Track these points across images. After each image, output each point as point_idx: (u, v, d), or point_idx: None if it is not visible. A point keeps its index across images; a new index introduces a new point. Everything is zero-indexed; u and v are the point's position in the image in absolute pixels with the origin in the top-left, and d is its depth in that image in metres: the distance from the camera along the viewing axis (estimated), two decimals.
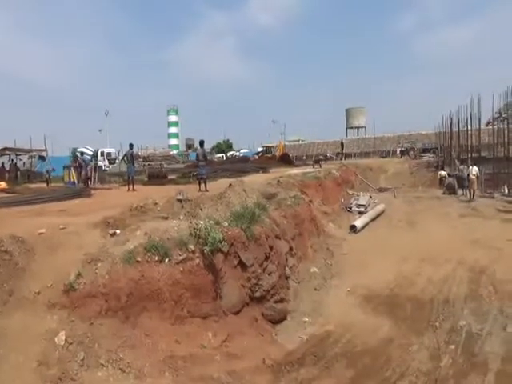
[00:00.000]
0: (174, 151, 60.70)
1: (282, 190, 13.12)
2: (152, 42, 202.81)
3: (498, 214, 17.79)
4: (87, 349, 4.95)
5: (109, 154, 34.46)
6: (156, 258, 6.15)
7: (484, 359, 5.86)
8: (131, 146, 16.80)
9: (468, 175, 22.75)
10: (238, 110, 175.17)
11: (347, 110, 69.48)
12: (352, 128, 68.60)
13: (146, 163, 31.52)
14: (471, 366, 5.71)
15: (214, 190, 11.76)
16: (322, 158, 34.31)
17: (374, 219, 16.71)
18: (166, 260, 6.20)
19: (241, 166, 26.88)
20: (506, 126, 26.90)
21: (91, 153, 32.62)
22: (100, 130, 61.09)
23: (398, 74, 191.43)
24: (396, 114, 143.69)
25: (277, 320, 7.42)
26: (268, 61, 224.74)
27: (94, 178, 19.40)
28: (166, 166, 30.23)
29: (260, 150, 54.85)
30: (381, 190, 27.51)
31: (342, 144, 46.29)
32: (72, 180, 17.57)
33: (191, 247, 6.51)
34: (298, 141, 61.54)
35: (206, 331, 6.06)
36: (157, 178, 19.90)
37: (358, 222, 15.21)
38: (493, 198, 22.83)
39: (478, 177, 22.68)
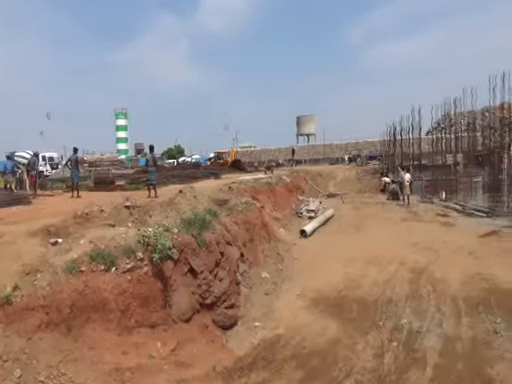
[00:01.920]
0: (123, 156, 58.98)
1: (233, 197, 13.16)
2: (100, 43, 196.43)
3: (437, 217, 18.95)
4: (24, 365, 4.67)
5: (51, 158, 32.79)
6: (102, 267, 5.95)
7: (423, 354, 6.20)
8: (75, 150, 16.11)
9: (402, 181, 24.28)
10: (190, 116, 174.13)
11: (298, 118, 71.15)
12: (302, 135, 70.30)
13: (93, 168, 30.37)
14: (412, 361, 6.02)
15: (164, 196, 11.56)
16: (273, 164, 34.82)
17: (323, 224, 17.18)
18: (113, 269, 6.02)
19: (192, 172, 26.60)
20: (443, 136, 28.79)
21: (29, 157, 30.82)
22: (41, 133, 58.08)
23: (346, 83, 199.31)
24: (344, 122, 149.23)
25: (228, 326, 7.41)
26: (220, 67, 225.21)
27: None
28: (113, 171, 29.26)
29: (212, 155, 54.64)
30: (330, 195, 28.37)
31: (293, 151, 47.30)
32: (9, 186, 16.52)
33: (139, 255, 6.37)
34: (250, 147, 62.10)
35: (154, 341, 5.94)
36: (104, 183, 19.22)
37: (308, 227, 15.57)
38: (432, 203, 24.29)
39: (411, 183, 24.23)
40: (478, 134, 27.38)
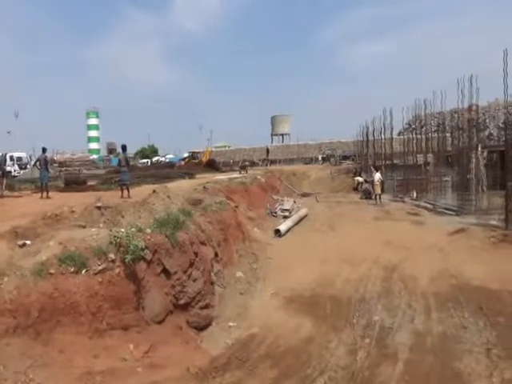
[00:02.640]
0: (95, 156, 57.72)
1: (207, 196, 13.09)
2: (71, 40, 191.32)
3: (408, 216, 19.43)
4: None
5: (19, 158, 31.71)
6: (72, 269, 5.79)
7: (395, 350, 6.34)
8: (44, 149, 15.64)
9: (373, 181, 24.87)
10: (164, 115, 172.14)
11: (272, 118, 71.47)
12: (277, 135, 70.66)
13: (63, 168, 29.57)
14: (384, 357, 6.14)
15: (138, 196, 11.39)
16: (248, 164, 34.85)
17: (297, 223, 17.32)
18: (83, 271, 5.87)
19: (166, 172, 26.33)
20: (414, 136, 29.53)
21: None
22: (9, 132, 56.15)
23: (321, 83, 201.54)
24: (319, 122, 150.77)
25: (202, 326, 7.36)
26: (195, 66, 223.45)
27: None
28: (85, 171, 28.59)
29: (186, 155, 54.21)
30: (304, 195, 28.65)
31: (267, 150, 47.51)
32: None
33: (111, 256, 6.24)
34: (225, 147, 61.94)
35: (127, 343, 5.82)
36: (74, 184, 18.74)
37: (283, 227, 15.66)
38: (403, 202, 24.90)
39: (382, 182, 24.83)
40: (448, 134, 28.21)
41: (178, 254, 7.41)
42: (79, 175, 23.77)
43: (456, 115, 26.82)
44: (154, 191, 9.87)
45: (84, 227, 7.84)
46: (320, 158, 46.93)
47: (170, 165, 38.71)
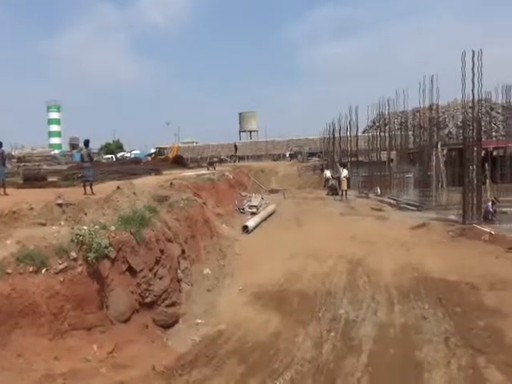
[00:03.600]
0: (56, 151, 55.68)
1: (174, 193, 12.90)
2: (31, 32, 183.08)
3: (372, 212, 19.95)
4: None
5: None
6: (31, 269, 5.57)
7: (359, 342, 6.50)
8: (0, 144, 14.90)
9: (339, 177, 25.41)
10: (130, 110, 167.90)
11: (240, 114, 71.36)
12: (245, 131, 70.64)
13: (22, 164, 28.33)
14: (348, 349, 6.28)
15: (101, 193, 11.06)
16: (216, 160, 34.67)
17: (265, 219, 17.41)
18: (43, 270, 5.66)
19: (132, 168, 25.74)
20: (378, 134, 30.33)
21: None
22: None
23: (289, 81, 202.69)
24: (286, 119, 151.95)
25: (169, 324, 7.26)
26: (161, 60, 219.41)
27: None
28: (45, 167, 27.48)
29: (153, 151, 53.30)
30: (272, 191, 28.83)
31: (235, 147, 47.42)
32: None
33: (73, 255, 6.04)
34: (193, 143, 61.30)
35: (90, 344, 5.67)
36: (34, 180, 17.96)
37: (250, 223, 15.70)
38: (368, 197, 25.55)
39: (348, 178, 25.41)
40: (410, 132, 29.17)
41: (144, 251, 7.27)
42: (39, 171, 22.80)
43: (418, 114, 27.79)
44: (119, 187, 9.62)
45: (44, 225, 7.54)
46: (288, 155, 47.36)
47: (136, 161, 37.86)
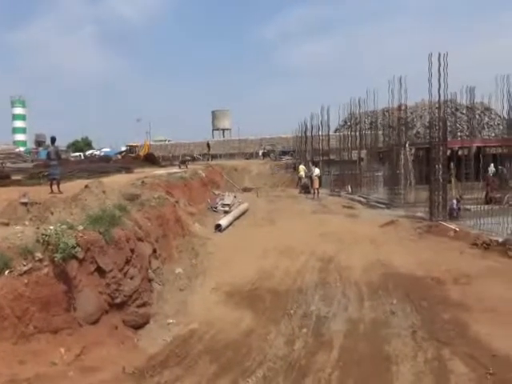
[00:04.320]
0: (21, 148, 53.71)
1: (146, 191, 12.71)
2: None
3: (343, 209, 20.30)
4: None
5: None
6: None
7: (330, 338, 6.59)
8: None
9: (311, 176, 25.78)
10: (99, 106, 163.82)
11: (213, 112, 70.91)
12: (218, 130, 70.25)
13: None
14: (320, 345, 6.36)
15: (69, 191, 10.78)
16: (188, 158, 34.35)
17: (238, 218, 17.41)
18: (6, 272, 5.43)
19: (101, 166, 25.17)
20: (349, 133, 30.85)
21: None
22: None
23: (261, 79, 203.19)
24: (259, 118, 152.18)
25: (139, 325, 7.15)
26: (132, 56, 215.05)
27: None
28: (9, 165, 26.48)
29: (124, 149, 52.24)
30: (245, 189, 28.87)
31: (208, 145, 47.17)
32: None
33: (38, 255, 5.83)
34: (165, 141, 60.44)
35: (57, 347, 5.50)
36: None
37: (223, 221, 15.66)
38: (339, 196, 25.98)
39: (319, 177, 25.81)
40: (380, 132, 29.82)
41: (114, 251, 7.12)
42: (3, 169, 21.97)
43: (387, 114, 28.43)
44: (87, 186, 9.39)
45: (7, 225, 7.28)
46: (261, 154, 47.46)
47: (106, 159, 37.06)
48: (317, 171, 25.68)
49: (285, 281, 9.39)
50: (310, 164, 29.90)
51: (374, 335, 6.66)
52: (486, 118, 42.70)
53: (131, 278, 7.32)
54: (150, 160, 34.45)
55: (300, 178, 29.30)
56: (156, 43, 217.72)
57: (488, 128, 42.75)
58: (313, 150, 35.03)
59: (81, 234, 6.61)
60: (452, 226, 13.76)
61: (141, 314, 7.22)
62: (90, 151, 58.33)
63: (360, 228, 15.15)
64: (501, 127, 35.39)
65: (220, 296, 8.65)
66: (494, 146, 26.18)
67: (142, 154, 40.20)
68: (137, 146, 46.13)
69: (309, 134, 35.93)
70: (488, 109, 40.32)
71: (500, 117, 36.06)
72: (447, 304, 7.68)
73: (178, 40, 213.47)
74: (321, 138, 33.48)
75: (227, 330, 6.95)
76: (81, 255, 6.36)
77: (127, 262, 7.36)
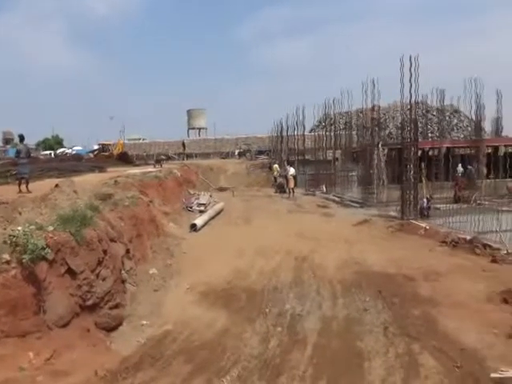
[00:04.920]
0: None
1: (119, 191, 12.49)
2: None
3: (318, 209, 20.55)
4: None
5: None
6: None
7: (304, 336, 6.66)
8: None
9: (286, 176, 26.03)
10: (70, 104, 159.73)
11: (188, 111, 70.34)
12: (194, 129, 69.74)
13: None
14: (294, 343, 6.42)
15: (38, 191, 10.47)
16: (163, 157, 34.01)
17: (213, 217, 17.36)
18: None
19: (73, 165, 24.59)
20: (324, 134, 31.24)
21: None
22: None
23: (237, 79, 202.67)
24: (235, 117, 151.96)
25: (112, 327, 7.01)
26: (105, 52, 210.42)
27: None
28: None
29: (96, 147, 51.11)
30: (221, 189, 28.79)
31: (183, 144, 46.80)
32: None
33: (5, 257, 5.64)
34: (139, 139, 59.49)
35: (25, 351, 5.33)
36: None
37: (199, 221, 15.57)
38: (314, 195, 26.29)
39: (294, 177, 26.08)
40: (354, 132, 30.36)
41: (85, 252, 6.96)
42: None
43: (361, 115, 28.95)
44: (58, 185, 9.17)
45: None
46: (236, 153, 47.45)
47: (78, 157, 36.19)
48: (292, 171, 25.91)
49: (260, 280, 9.42)
50: (285, 164, 30.12)
51: (347, 332, 6.77)
52: (455, 120, 44.18)
53: (103, 280, 7.17)
54: (124, 159, 33.89)
55: (275, 178, 29.47)
56: (131, 40, 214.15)
57: (457, 129, 44.23)
58: (288, 150, 35.29)
59: (51, 235, 6.43)
60: (422, 224, 14.15)
61: (113, 315, 7.09)
62: (61, 149, 56.80)
63: (334, 227, 15.39)
64: (469, 129, 36.61)
65: (195, 296, 8.60)
66: (462, 147, 27.09)
67: (115, 152, 39.45)
68: (110, 145, 45.20)
69: (284, 133, 36.20)
70: (457, 111, 41.71)
71: (468, 118, 37.32)
72: (418, 300, 7.88)
73: (153, 37, 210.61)
74: (296, 137, 33.79)
75: (202, 330, 6.92)
76: (50, 256, 6.18)
77: (99, 262, 7.21)
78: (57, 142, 71.09)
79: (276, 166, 30.34)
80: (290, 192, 25.08)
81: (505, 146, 26.28)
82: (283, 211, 19.46)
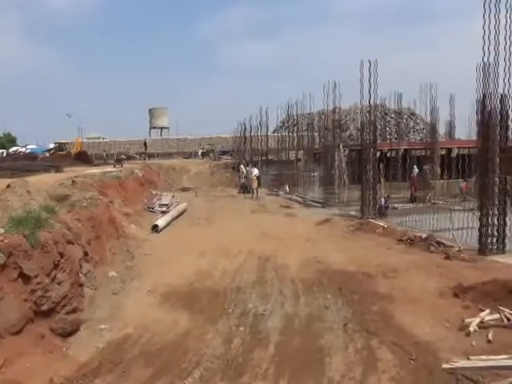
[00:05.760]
0: None
1: (77, 191, 12.06)
2: None
3: (281, 209, 20.78)
4: None
5: None
6: None
7: (266, 334, 6.71)
8: None
9: (250, 176, 26.21)
10: (24, 100, 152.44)
11: (150, 110, 68.87)
12: (156, 128, 68.42)
13: None
14: (257, 342, 6.45)
15: None
16: (124, 157, 33.15)
17: (176, 218, 17.16)
18: None
19: (27, 165, 23.54)
20: (287, 134, 31.61)
21: None
22: None
23: (201, 78, 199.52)
24: (199, 117, 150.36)
25: (69, 332, 6.77)
26: (63, 48, 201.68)
27: None
28: None
29: (52, 146, 49.15)
30: (184, 189, 28.50)
31: (145, 144, 45.88)
32: None
33: None
34: (99, 138, 57.65)
35: None
36: None
37: (161, 222, 15.34)
38: (278, 195, 26.56)
39: (258, 177, 26.30)
40: (316, 133, 30.87)
41: (40, 255, 6.67)
42: None
43: (323, 116, 29.51)
44: (10, 186, 8.73)
45: None
46: (200, 153, 47.07)
47: (32, 156, 34.65)
48: (256, 171, 26.05)
49: (223, 280, 9.40)
50: (243, 165, 30.18)
51: (309, 330, 6.89)
52: (412, 123, 45.96)
53: (59, 284, 6.91)
54: (82, 158, 32.83)
55: (239, 177, 29.52)
56: (90, 36, 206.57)
57: (414, 132, 46.06)
58: (252, 150, 35.42)
59: (1, 238, 6.13)
60: (381, 223, 14.63)
61: (70, 320, 6.84)
62: (14, 148, 54.05)
63: (297, 227, 15.61)
64: (424, 131, 38.22)
65: (156, 298, 8.46)
66: (418, 149, 28.18)
67: (73, 151, 38.11)
68: (67, 144, 43.59)
69: (248, 134, 36.30)
70: (414, 114, 43.40)
71: (424, 121, 38.97)
72: (376, 297, 8.13)
73: (113, 34, 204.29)
74: (260, 138, 33.96)
75: (163, 333, 6.82)
76: (2, 260, 5.88)
77: (55, 266, 6.93)
78: (9, 141, 67.54)
79: (242, 166, 30.40)
80: (253, 192, 25.21)
81: (457, 148, 27.62)
82: (246, 211, 19.53)
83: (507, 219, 10.94)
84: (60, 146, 43.66)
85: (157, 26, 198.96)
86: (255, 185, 25.43)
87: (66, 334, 6.70)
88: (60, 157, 35.54)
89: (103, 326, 7.09)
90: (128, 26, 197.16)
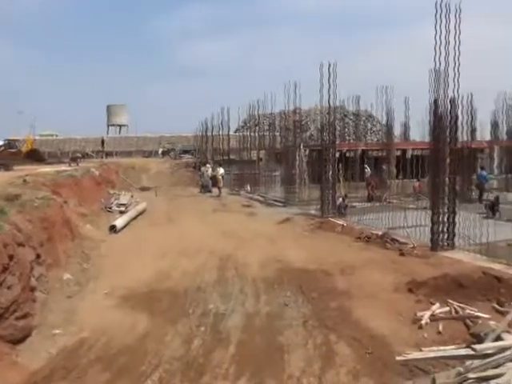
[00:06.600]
0: None
1: (28, 191, 11.53)
2: None
3: (242, 208, 20.81)
4: None
5: None
6: None
7: (227, 334, 6.69)
8: None
9: (215, 175, 26.18)
10: None
11: (108, 107, 66.88)
12: (114, 125, 66.51)
13: None
14: (217, 342, 6.42)
15: None
16: (79, 155, 31.99)
17: (135, 218, 16.78)
18: None
19: None
20: (249, 134, 31.69)
21: None
22: None
23: (161, 76, 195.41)
24: (159, 115, 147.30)
25: (19, 339, 6.42)
26: (14, 42, 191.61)
27: None
28: None
29: (1, 143, 46.52)
30: (143, 189, 27.91)
31: (102, 142, 44.46)
32: None
33: None
34: (53, 135, 55.27)
35: None
36: None
37: (119, 222, 14.95)
38: (239, 195, 26.58)
39: (223, 176, 26.30)
40: (277, 133, 31.15)
41: None
42: None
43: (284, 116, 29.83)
44: None
45: None
46: (160, 152, 46.26)
47: None
48: (221, 171, 26.01)
49: (183, 281, 9.28)
50: (214, 164, 29.98)
51: (269, 328, 6.94)
52: (369, 125, 47.49)
53: (9, 288, 6.54)
54: (34, 157, 31.37)
55: (201, 176, 29.24)
56: (44, 30, 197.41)
57: (371, 133, 47.58)
58: (213, 150, 35.23)
59: None
60: (340, 222, 15.00)
61: (21, 326, 6.50)
62: None
63: (258, 226, 15.68)
64: (381, 133, 39.54)
65: (114, 300, 8.22)
66: (375, 150, 29.10)
67: (24, 149, 36.24)
68: (18, 141, 41.38)
69: (209, 133, 36.07)
70: (371, 116, 44.77)
71: (380, 124, 40.32)
72: (334, 293, 8.32)
73: (71, 28, 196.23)
74: (221, 137, 33.83)
75: (121, 336, 6.64)
76: None
77: (4, 269, 6.56)
78: None
79: (205, 167, 30.10)
80: (217, 191, 25.22)
81: (412, 149, 28.77)
82: (208, 211, 19.40)
83: (456, 217, 11.52)
84: (10, 143, 41.33)
85: (117, 22, 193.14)
86: (221, 184, 25.39)
87: (16, 341, 6.36)
88: (10, 155, 33.65)
89: (56, 331, 6.80)
90: (86, 21, 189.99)
